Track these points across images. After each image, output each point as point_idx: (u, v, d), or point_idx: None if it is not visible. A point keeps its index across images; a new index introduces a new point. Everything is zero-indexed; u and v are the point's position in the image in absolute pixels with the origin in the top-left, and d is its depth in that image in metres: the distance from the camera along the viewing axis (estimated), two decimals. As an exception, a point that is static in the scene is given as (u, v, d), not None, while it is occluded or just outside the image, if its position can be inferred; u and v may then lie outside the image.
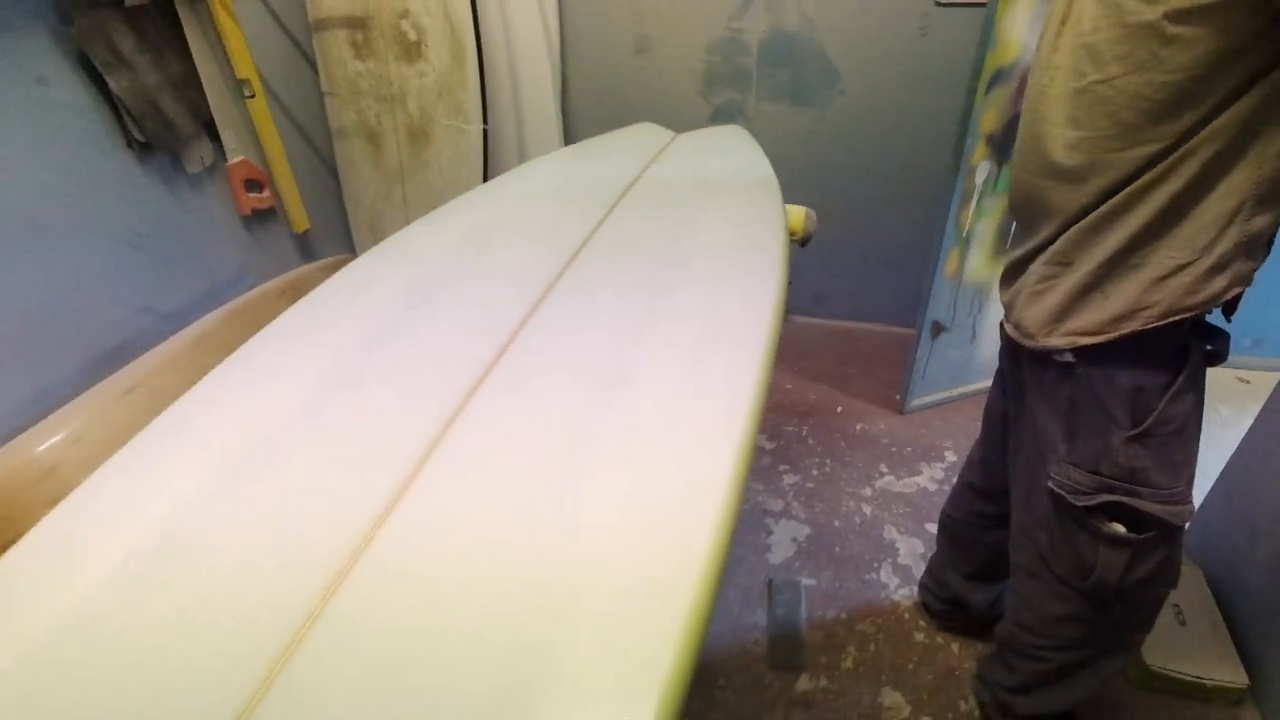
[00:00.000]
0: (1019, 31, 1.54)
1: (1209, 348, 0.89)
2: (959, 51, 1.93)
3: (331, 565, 0.47)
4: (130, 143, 1.56)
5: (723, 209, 0.96)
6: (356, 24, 1.87)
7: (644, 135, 1.34)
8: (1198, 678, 1.32)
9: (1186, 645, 1.36)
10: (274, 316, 1.84)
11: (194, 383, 1.68)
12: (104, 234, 1.55)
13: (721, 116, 2.24)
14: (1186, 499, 0.92)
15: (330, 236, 2.23)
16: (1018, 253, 1.02)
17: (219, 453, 0.61)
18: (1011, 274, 1.04)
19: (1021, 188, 0.98)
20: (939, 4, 1.91)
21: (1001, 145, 1.70)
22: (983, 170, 1.73)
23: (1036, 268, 0.95)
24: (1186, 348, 0.87)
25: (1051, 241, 0.93)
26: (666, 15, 2.12)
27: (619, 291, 0.74)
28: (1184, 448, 0.91)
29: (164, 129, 1.60)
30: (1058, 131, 0.88)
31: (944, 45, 1.96)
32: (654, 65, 2.22)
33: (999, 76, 1.59)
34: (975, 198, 1.77)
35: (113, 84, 1.47)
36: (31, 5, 1.35)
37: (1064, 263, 0.91)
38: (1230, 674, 1.32)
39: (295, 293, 2.01)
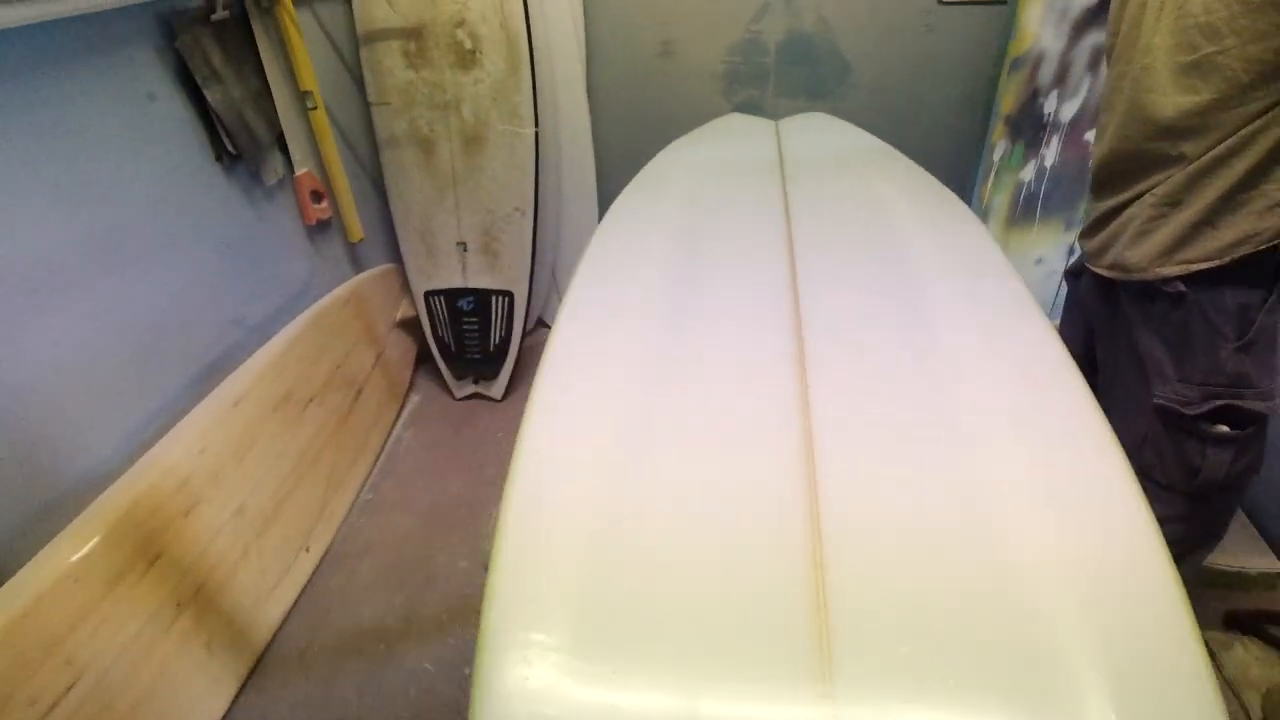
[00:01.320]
0: (1035, 24, 1.77)
1: None
2: (962, 45, 2.16)
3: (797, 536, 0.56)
4: (220, 155, 1.57)
5: (878, 173, 1.10)
6: (410, 34, 1.92)
7: (747, 124, 1.47)
8: (1241, 569, 1.54)
9: (1223, 542, 1.59)
10: (344, 324, 1.87)
11: (292, 389, 1.68)
12: (203, 247, 1.56)
13: (742, 111, 2.40)
14: (1277, 393, 1.12)
15: (378, 245, 2.25)
16: (1107, 204, 1.19)
17: (604, 438, 0.66)
18: (1101, 223, 1.22)
19: (1120, 151, 1.14)
20: (942, 3, 2.13)
21: (1017, 124, 1.93)
22: (1001, 148, 1.95)
23: (1140, 210, 1.10)
24: (1278, 268, 1.06)
25: (1153, 186, 1.10)
26: (690, 21, 2.27)
27: (853, 249, 0.86)
28: (1275, 351, 1.11)
29: (250, 141, 1.62)
30: (1168, 100, 1.03)
31: (948, 40, 2.18)
32: (677, 67, 2.36)
33: (1016, 63, 1.81)
34: (993, 173, 1.99)
35: (210, 97, 1.49)
36: (139, 23, 1.36)
37: (1174, 203, 1.06)
38: (1266, 562, 1.55)
39: (358, 301, 2.04)
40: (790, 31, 2.25)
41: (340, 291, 1.98)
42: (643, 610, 0.49)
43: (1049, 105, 1.95)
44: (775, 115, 2.35)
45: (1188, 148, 1.03)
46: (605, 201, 2.45)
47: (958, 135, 2.35)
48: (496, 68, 1.95)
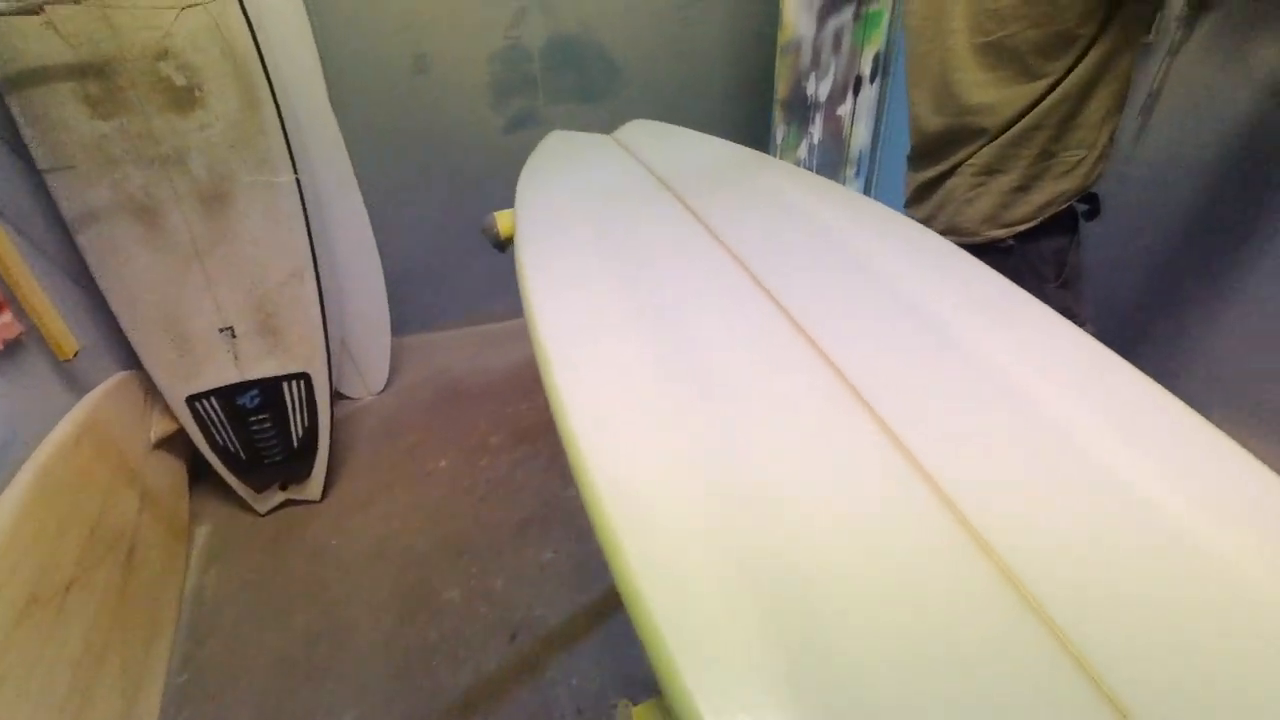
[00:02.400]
0: (792, 13, 1.87)
1: (1087, 208, 1.26)
2: (726, 34, 2.24)
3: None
4: None
5: (772, 181, 1.05)
6: (88, 73, 1.44)
7: (584, 143, 1.33)
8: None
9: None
10: (83, 471, 1.40)
11: (37, 586, 1.22)
12: None
13: (516, 125, 2.24)
14: (1090, 317, 1.31)
15: (104, 354, 1.70)
16: (928, 175, 1.31)
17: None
18: (925, 192, 1.34)
19: (933, 127, 1.26)
20: (691, -3, 2.17)
21: (790, 107, 2.04)
22: (781, 131, 2.06)
23: (961, 180, 1.24)
24: (1075, 213, 1.23)
25: (968, 158, 1.23)
26: (442, 31, 2.04)
27: (821, 270, 0.79)
28: (1084, 284, 1.29)
29: None
30: (970, 78, 1.16)
31: (710, 29, 2.23)
32: (436, 83, 2.11)
33: (784, 50, 1.90)
34: (779, 156, 2.09)
35: None
36: None
37: (990, 172, 1.20)
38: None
39: (94, 434, 1.53)
40: (552, 35, 2.13)
41: (65, 430, 1.46)
42: (856, 668, 0.40)
43: (810, 87, 2.09)
44: (550, 123, 2.23)
45: (992, 121, 1.14)
46: (387, 252, 2.15)
47: (742, 124, 2.44)
48: (228, 106, 1.56)
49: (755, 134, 2.44)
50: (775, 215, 0.91)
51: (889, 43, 2.34)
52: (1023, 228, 1.21)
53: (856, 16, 2.18)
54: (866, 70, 2.34)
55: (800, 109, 2.08)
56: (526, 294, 0.79)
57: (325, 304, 1.80)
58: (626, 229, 0.90)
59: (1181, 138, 1.49)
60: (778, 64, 1.86)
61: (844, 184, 2.55)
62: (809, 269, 0.78)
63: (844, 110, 2.33)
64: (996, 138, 1.18)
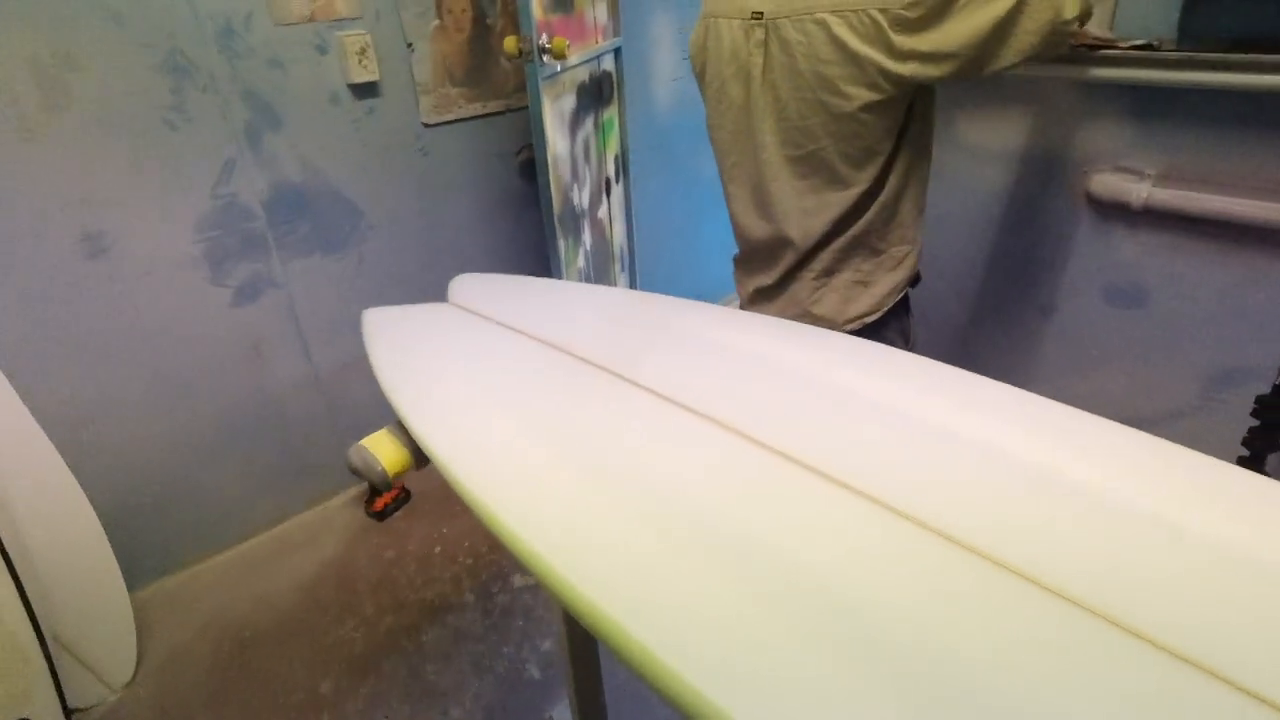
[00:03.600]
0: (552, 132, 1.82)
1: (911, 288, 1.37)
2: (461, 159, 2.11)
3: None
4: None
5: (679, 319, 0.94)
6: None
7: (412, 317, 1.09)
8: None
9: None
10: None
11: None
12: None
13: (248, 295, 1.85)
14: None
15: None
16: (764, 282, 1.35)
17: None
18: (766, 295, 1.37)
19: (759, 233, 1.30)
20: (426, 125, 2.02)
21: (565, 220, 1.98)
22: (561, 245, 1.98)
23: (803, 284, 1.29)
24: (907, 294, 1.34)
25: (804, 263, 1.28)
26: (120, 203, 1.60)
27: (798, 406, 0.71)
28: (917, 344, 1.41)
29: None
30: (787, 187, 1.21)
31: (444, 158, 2.09)
32: (123, 269, 1.65)
33: (551, 165, 1.84)
34: (565, 270, 2.01)
35: None
36: None
37: (830, 272, 1.26)
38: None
39: None
40: (275, 185, 1.81)
41: None
42: None
43: (576, 197, 2.07)
44: (288, 283, 1.89)
45: (814, 226, 1.20)
46: (97, 487, 1.61)
47: (519, 244, 2.32)
48: None
49: (534, 252, 2.35)
50: (707, 357, 0.81)
51: (624, 146, 2.44)
52: (871, 319, 1.28)
53: (596, 125, 2.23)
54: (612, 171, 2.40)
55: (572, 220, 2.04)
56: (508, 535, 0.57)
57: (30, 604, 1.24)
58: (571, 421, 0.72)
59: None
60: (551, 180, 1.80)
61: (614, 282, 2.56)
62: (824, 425, 0.68)
63: (603, 213, 2.35)
64: (822, 242, 1.24)
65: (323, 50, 1.78)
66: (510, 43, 1.70)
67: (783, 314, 1.35)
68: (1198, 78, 1.28)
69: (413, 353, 0.91)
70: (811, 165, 1.19)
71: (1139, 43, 1.32)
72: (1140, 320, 1.54)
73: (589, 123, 2.18)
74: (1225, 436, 1.50)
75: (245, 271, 1.83)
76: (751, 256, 1.41)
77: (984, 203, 1.63)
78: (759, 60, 1.18)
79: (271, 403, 1.98)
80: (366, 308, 1.09)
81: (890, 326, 1.33)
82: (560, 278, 1.97)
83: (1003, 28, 0.97)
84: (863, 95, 1.07)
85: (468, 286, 1.13)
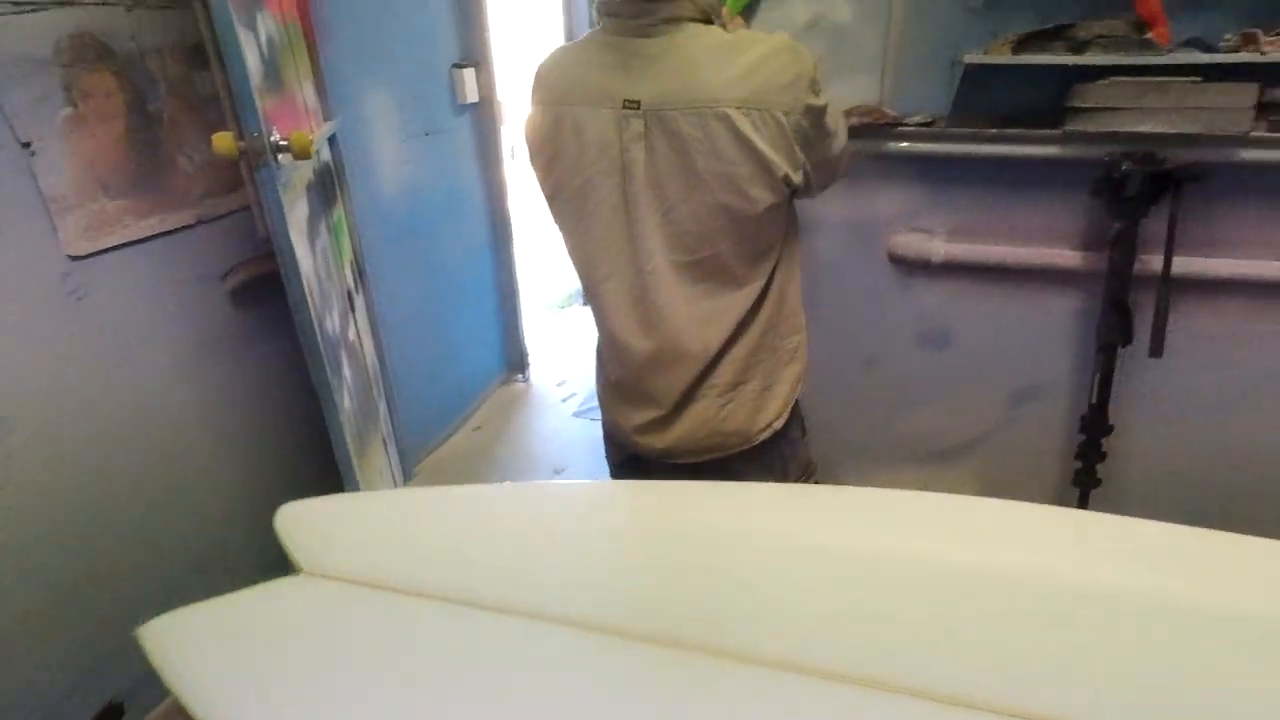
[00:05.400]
0: (301, 251, 1.35)
1: None
2: (137, 298, 1.48)
3: None
4: None
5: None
6: None
7: (239, 609, 0.62)
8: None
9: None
10: None
11: None
12: None
13: None
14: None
15: None
16: (661, 409, 1.17)
17: None
18: (663, 424, 1.18)
19: (644, 350, 1.13)
20: (75, 258, 1.37)
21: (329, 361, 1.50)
22: (338, 400, 1.50)
23: (709, 402, 1.14)
24: None
25: (705, 378, 1.12)
26: None
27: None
28: None
29: None
30: (678, 296, 1.06)
31: (112, 299, 1.44)
32: None
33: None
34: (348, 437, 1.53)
35: None
36: None
37: (737, 384, 1.14)
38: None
39: None
40: None
41: None
42: None
43: (329, 324, 1.60)
44: None
45: (718, 334, 1.07)
46: None
47: (250, 401, 1.68)
48: None
49: (268, 407, 1.77)
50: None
51: (358, 249, 1.99)
52: (780, 423, 1.17)
53: (329, 230, 1.76)
54: (351, 282, 1.93)
55: (332, 355, 1.56)
56: None
57: None
58: None
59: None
60: (310, 316, 1.32)
61: (376, 412, 2.07)
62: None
63: (353, 334, 1.87)
64: (723, 350, 1.11)
65: None
66: (224, 141, 1.22)
67: (688, 438, 1.17)
68: (968, 149, 1.45)
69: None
70: (706, 270, 1.05)
71: (922, 120, 1.45)
72: (948, 359, 1.69)
73: (323, 229, 1.71)
74: (1030, 446, 1.73)
75: None
76: (634, 381, 1.20)
77: (808, 269, 1.65)
78: (639, 156, 0.99)
79: None
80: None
81: (793, 423, 1.24)
82: (341, 441, 1.48)
83: (843, 152, 1.11)
84: (768, 198, 0.97)
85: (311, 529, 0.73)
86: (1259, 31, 1.21)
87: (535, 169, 1.14)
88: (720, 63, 0.93)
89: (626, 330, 1.14)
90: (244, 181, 1.64)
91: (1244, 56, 1.21)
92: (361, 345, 1.98)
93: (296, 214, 1.46)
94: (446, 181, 2.56)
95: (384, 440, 2.08)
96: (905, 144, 1.48)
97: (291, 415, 1.90)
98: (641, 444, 1.21)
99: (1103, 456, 1.56)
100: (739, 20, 1.42)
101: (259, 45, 1.35)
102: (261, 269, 1.73)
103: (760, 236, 1.03)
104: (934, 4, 1.40)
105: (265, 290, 1.74)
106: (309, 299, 1.38)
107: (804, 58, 0.94)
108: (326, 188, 1.81)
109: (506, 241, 2.97)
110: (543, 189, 1.15)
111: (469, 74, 2.52)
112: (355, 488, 1.60)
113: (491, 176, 2.82)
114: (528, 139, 1.12)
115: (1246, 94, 1.23)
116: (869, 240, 1.61)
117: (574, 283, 3.96)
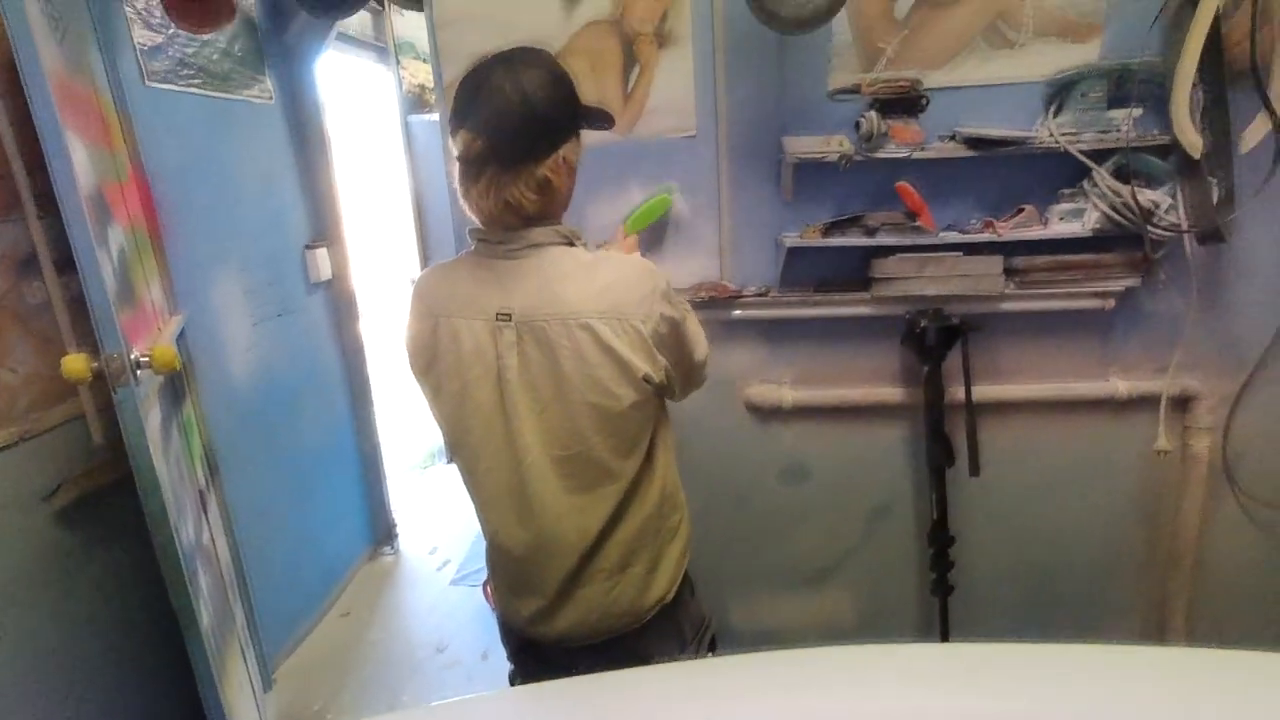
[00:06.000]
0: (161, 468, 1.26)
1: None
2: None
3: None
4: None
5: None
6: None
7: None
8: None
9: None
10: None
11: None
12: None
13: None
14: None
15: None
16: (545, 598, 1.20)
17: None
18: (553, 610, 1.20)
19: (522, 543, 1.17)
20: None
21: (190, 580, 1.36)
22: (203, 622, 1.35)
23: (596, 587, 1.19)
24: None
25: (588, 563, 1.18)
26: None
27: None
28: None
29: None
30: (555, 488, 1.13)
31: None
32: None
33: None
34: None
35: None
36: None
37: (623, 567, 1.20)
38: None
39: None
40: None
41: None
42: None
43: (184, 535, 1.46)
44: None
45: (594, 522, 1.15)
46: None
47: (86, 633, 1.44)
48: None
49: (114, 637, 1.55)
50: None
51: (209, 445, 1.87)
52: (669, 596, 1.25)
53: (180, 431, 1.64)
54: (203, 480, 1.79)
55: (191, 569, 1.41)
56: None
57: None
58: None
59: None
60: (174, 539, 1.21)
61: (233, 615, 1.87)
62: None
63: (207, 538, 1.71)
64: (602, 537, 1.17)
65: None
66: (75, 365, 1.15)
67: (580, 624, 1.19)
68: (798, 311, 1.69)
69: None
70: (580, 463, 1.12)
71: (758, 290, 1.68)
72: (808, 491, 1.86)
73: (174, 431, 1.60)
74: (890, 562, 1.91)
75: None
76: (517, 573, 1.23)
77: (678, 425, 1.78)
78: (513, 362, 1.08)
79: None
80: None
81: (683, 589, 1.30)
82: (207, 670, 1.32)
83: (704, 361, 1.23)
84: (631, 395, 1.08)
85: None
86: (993, 220, 1.58)
87: (415, 372, 1.18)
88: (581, 280, 1.05)
89: (506, 521, 1.18)
90: (74, 389, 1.52)
91: (988, 236, 1.55)
92: (215, 548, 1.82)
93: (151, 424, 1.37)
94: (302, 359, 2.50)
95: (241, 648, 1.87)
96: (746, 311, 1.70)
97: (138, 643, 1.67)
98: (533, 633, 1.22)
99: (951, 565, 1.77)
100: (634, 238, 1.60)
101: (111, 260, 1.31)
102: (97, 482, 1.57)
103: (628, 430, 1.11)
104: (754, 198, 1.67)
105: (101, 504, 1.58)
106: (169, 515, 1.28)
107: (656, 275, 1.08)
108: (176, 386, 1.71)
109: (367, 409, 2.90)
110: (423, 392, 1.19)
111: (321, 253, 2.54)
112: (221, 718, 1.42)
113: (348, 348, 2.78)
114: (408, 347, 1.18)
115: (995, 264, 1.57)
116: (727, 394, 1.79)
117: (436, 440, 3.87)
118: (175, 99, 1.91)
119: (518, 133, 1.00)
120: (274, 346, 2.31)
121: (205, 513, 1.78)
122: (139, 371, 1.21)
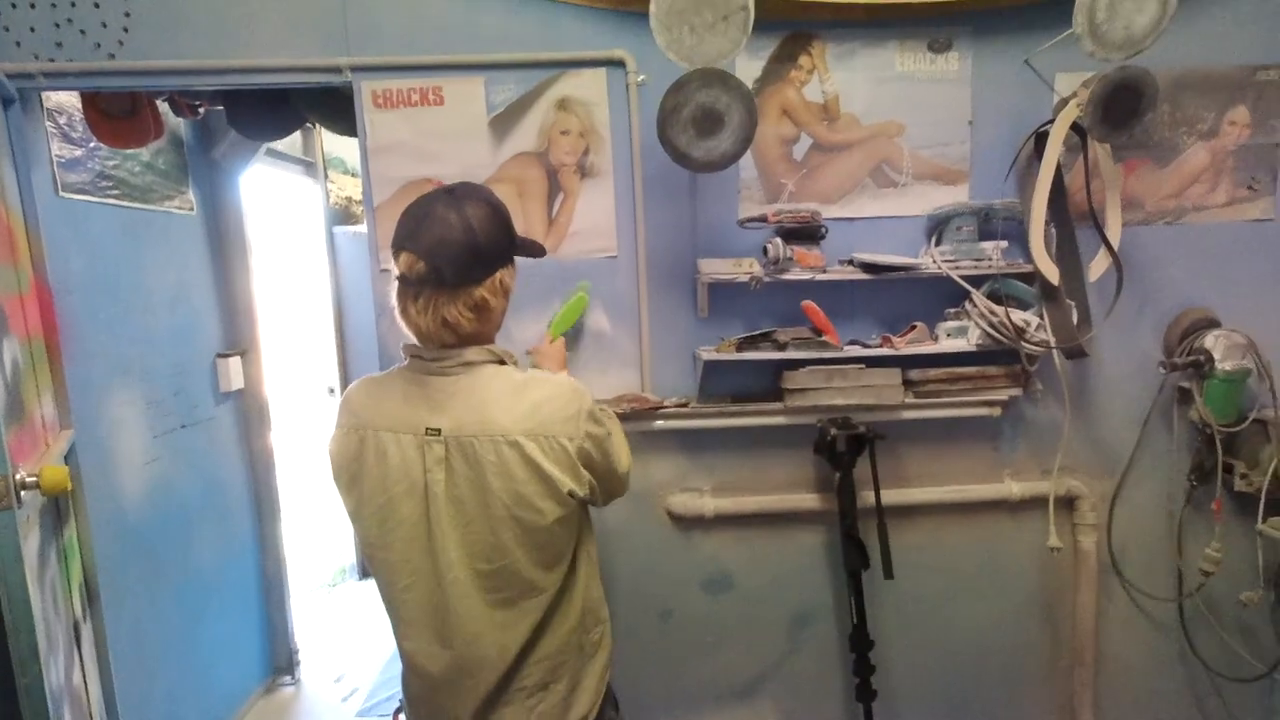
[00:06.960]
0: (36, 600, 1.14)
1: None
2: None
3: None
4: None
5: None
6: None
7: None
8: None
9: None
10: None
11: None
12: None
13: None
14: None
15: None
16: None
17: None
18: None
19: (441, 662, 1.15)
20: None
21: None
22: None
23: (518, 706, 1.19)
24: None
25: (509, 682, 1.16)
26: None
27: None
28: None
29: None
30: (477, 604, 1.12)
31: None
32: None
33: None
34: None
35: None
36: None
37: (545, 685, 1.19)
38: None
39: None
40: None
41: None
42: None
43: (53, 675, 1.31)
44: None
45: (516, 638, 1.15)
46: None
47: None
48: None
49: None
50: None
51: (89, 570, 1.71)
52: (593, 714, 1.24)
53: (59, 558, 1.50)
54: (79, 610, 1.62)
55: (77, 710, 1.25)
56: None
57: None
58: None
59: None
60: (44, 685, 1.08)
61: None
62: None
63: (78, 677, 1.53)
64: (524, 654, 1.16)
65: None
66: (-50, 487, 1.06)
67: None
68: (716, 422, 1.76)
69: None
70: (503, 578, 1.12)
71: (677, 401, 1.75)
72: (732, 600, 1.87)
73: (52, 557, 1.47)
74: (815, 669, 1.91)
75: None
76: (434, 698, 1.19)
77: (601, 537, 1.77)
78: (440, 477, 1.08)
79: None
80: None
81: (605, 706, 1.28)
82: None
83: (627, 473, 1.25)
84: (555, 510, 1.10)
85: None
86: (890, 336, 1.72)
87: (338, 487, 1.16)
88: (511, 399, 1.08)
89: (425, 641, 1.15)
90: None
91: (887, 350, 1.69)
92: (86, 690, 1.63)
93: (29, 548, 1.26)
94: (204, 472, 2.36)
95: (107, 813, 1.64)
96: (668, 422, 1.75)
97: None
98: None
99: (873, 669, 1.78)
100: (561, 341, 1.66)
101: (4, 374, 1.25)
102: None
103: (552, 544, 1.13)
104: (672, 314, 1.76)
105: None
106: (38, 654, 1.16)
107: (583, 395, 1.13)
108: (59, 505, 1.59)
109: (273, 523, 2.73)
110: (345, 505, 1.16)
111: (234, 362, 2.47)
112: None
113: (257, 459, 2.65)
114: (332, 459, 1.16)
115: (895, 375, 1.70)
116: (649, 504, 1.80)
117: (348, 556, 3.65)
118: (88, 210, 1.89)
119: (459, 258, 1.05)
120: (174, 459, 2.18)
121: (78, 647, 1.60)
122: (23, 493, 1.13)
